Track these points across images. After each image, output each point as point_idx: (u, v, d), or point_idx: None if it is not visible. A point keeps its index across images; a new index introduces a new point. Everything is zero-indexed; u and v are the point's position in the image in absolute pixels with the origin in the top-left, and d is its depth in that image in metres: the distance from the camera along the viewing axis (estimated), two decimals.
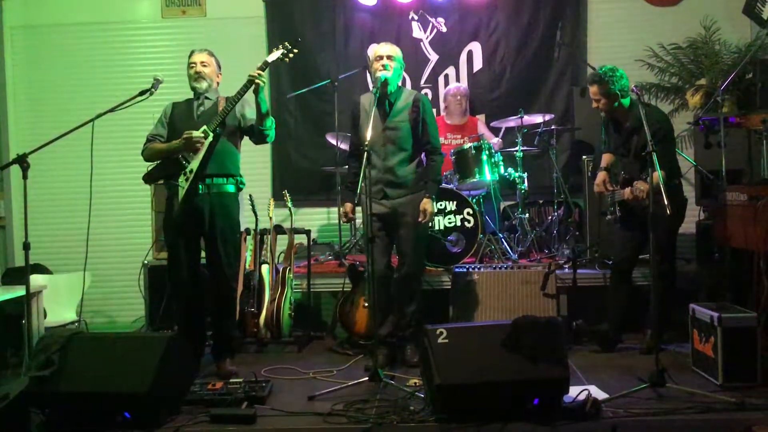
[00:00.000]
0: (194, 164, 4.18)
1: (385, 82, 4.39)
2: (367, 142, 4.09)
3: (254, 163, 6.30)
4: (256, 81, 4.14)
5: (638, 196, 4.31)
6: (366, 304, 4.93)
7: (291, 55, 4.36)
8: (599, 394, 3.67)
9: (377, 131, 4.42)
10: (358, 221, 5.49)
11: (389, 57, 4.45)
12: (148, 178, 4.37)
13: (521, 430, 3.36)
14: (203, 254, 4.41)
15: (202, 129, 4.18)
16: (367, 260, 4.46)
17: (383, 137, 4.45)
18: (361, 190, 3.99)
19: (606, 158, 4.84)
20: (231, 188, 4.37)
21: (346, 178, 4.79)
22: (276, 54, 4.33)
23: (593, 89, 4.56)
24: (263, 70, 4.20)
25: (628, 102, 4.56)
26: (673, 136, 4.67)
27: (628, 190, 4.45)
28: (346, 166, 4.77)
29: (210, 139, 4.17)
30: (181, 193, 4.19)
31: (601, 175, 4.76)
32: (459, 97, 6.16)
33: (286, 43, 4.37)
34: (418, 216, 4.44)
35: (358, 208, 4.74)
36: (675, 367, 4.09)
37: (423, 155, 4.61)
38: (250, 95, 4.25)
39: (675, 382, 3.76)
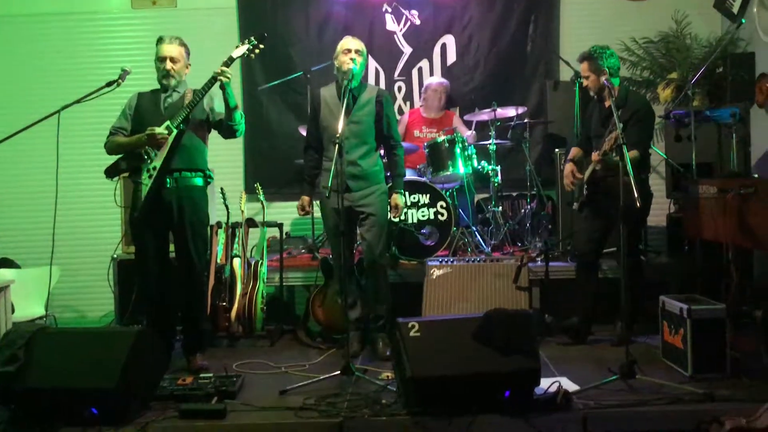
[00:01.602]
0: (158, 162, 4.11)
1: (352, 76, 4.39)
2: (338, 135, 4.05)
3: (226, 155, 6.24)
4: (220, 78, 4.07)
5: (606, 149, 4.28)
6: (338, 298, 4.91)
7: (257, 51, 4.28)
8: (570, 386, 3.69)
9: (344, 119, 4.39)
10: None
11: (357, 51, 4.45)
12: (110, 171, 4.28)
13: (492, 422, 3.36)
14: (172, 247, 4.36)
15: (165, 125, 4.10)
16: (333, 253, 4.48)
17: (346, 130, 4.40)
18: (333, 185, 3.98)
19: (574, 151, 4.88)
20: (199, 182, 4.31)
21: (304, 171, 4.75)
22: (242, 49, 4.25)
23: (584, 66, 4.61)
24: (228, 66, 4.12)
25: (617, 82, 4.62)
26: (652, 121, 4.69)
27: (595, 153, 4.45)
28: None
29: (174, 134, 4.10)
30: (144, 190, 4.11)
31: (569, 167, 4.78)
32: (439, 92, 6.15)
33: (252, 38, 4.29)
34: (379, 208, 4.50)
35: (316, 202, 4.78)
36: (645, 358, 4.11)
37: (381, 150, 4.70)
38: (217, 89, 4.18)
39: (645, 373, 3.78)
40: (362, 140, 4.50)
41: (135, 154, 4.16)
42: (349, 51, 4.44)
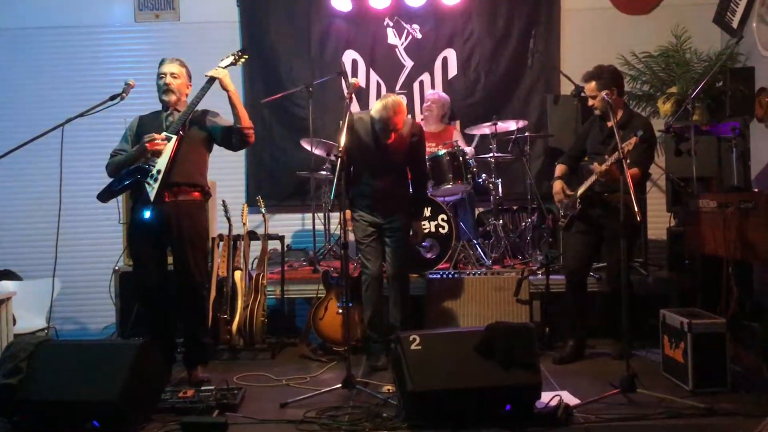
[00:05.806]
0: (161, 164, 4.09)
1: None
2: (340, 149, 4.10)
3: (228, 168, 6.27)
4: (216, 76, 4.18)
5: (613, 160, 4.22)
6: (339, 311, 4.92)
7: (242, 61, 4.40)
8: (571, 400, 3.69)
9: (376, 155, 4.57)
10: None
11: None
12: (103, 195, 4.24)
13: None
14: (170, 260, 4.36)
15: (163, 134, 4.12)
16: (341, 266, 4.49)
17: (381, 160, 4.59)
18: (334, 200, 4.15)
19: (560, 169, 4.89)
20: (197, 197, 4.30)
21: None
22: (227, 60, 4.34)
23: (590, 86, 4.57)
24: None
25: (621, 101, 4.63)
26: (654, 142, 4.68)
27: (596, 164, 4.38)
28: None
29: (173, 140, 4.10)
30: (153, 193, 4.07)
31: (558, 184, 4.80)
32: (437, 105, 6.12)
33: (237, 51, 4.42)
34: (404, 223, 4.69)
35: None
36: (646, 372, 4.10)
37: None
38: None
39: (645, 387, 3.79)
40: (395, 170, 4.69)
41: (140, 168, 4.14)
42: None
